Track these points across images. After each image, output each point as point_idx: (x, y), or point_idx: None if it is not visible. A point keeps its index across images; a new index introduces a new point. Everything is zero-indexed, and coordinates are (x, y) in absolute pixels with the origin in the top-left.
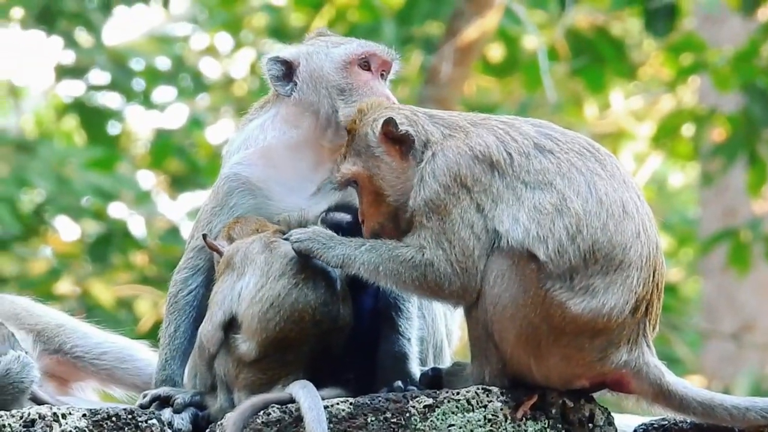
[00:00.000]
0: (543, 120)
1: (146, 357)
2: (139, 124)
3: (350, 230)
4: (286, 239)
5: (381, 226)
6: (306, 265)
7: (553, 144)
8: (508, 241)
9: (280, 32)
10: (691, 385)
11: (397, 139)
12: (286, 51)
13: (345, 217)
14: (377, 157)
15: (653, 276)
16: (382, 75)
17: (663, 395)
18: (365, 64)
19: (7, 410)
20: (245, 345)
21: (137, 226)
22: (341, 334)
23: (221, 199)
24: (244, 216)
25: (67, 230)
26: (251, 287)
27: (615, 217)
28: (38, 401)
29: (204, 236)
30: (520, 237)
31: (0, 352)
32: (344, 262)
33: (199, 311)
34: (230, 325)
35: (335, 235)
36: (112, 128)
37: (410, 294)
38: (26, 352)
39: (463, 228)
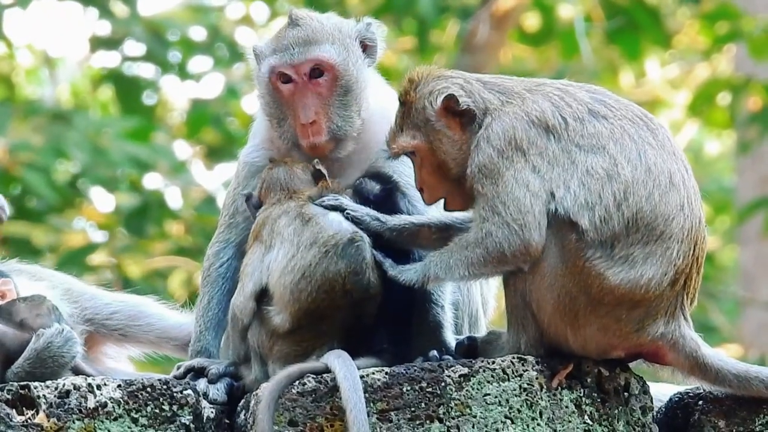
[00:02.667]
0: (596, 86)
1: (157, 311)
2: (175, 94)
3: (379, 200)
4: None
5: (448, 194)
6: (336, 233)
7: (607, 110)
8: (556, 208)
9: (316, 1)
10: (727, 358)
11: (458, 113)
12: (261, 42)
13: (375, 187)
14: (438, 131)
15: (694, 249)
16: (316, 74)
17: (699, 368)
18: (284, 76)
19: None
20: (278, 317)
21: (173, 197)
22: (372, 303)
23: (242, 181)
24: (272, 175)
25: (102, 201)
26: (280, 258)
27: (661, 187)
28: (79, 373)
29: (246, 199)
30: (569, 204)
31: (45, 324)
32: (425, 276)
33: (233, 283)
34: (262, 297)
35: (408, 267)
36: (148, 98)
37: (486, 276)
38: (70, 327)
39: (517, 188)
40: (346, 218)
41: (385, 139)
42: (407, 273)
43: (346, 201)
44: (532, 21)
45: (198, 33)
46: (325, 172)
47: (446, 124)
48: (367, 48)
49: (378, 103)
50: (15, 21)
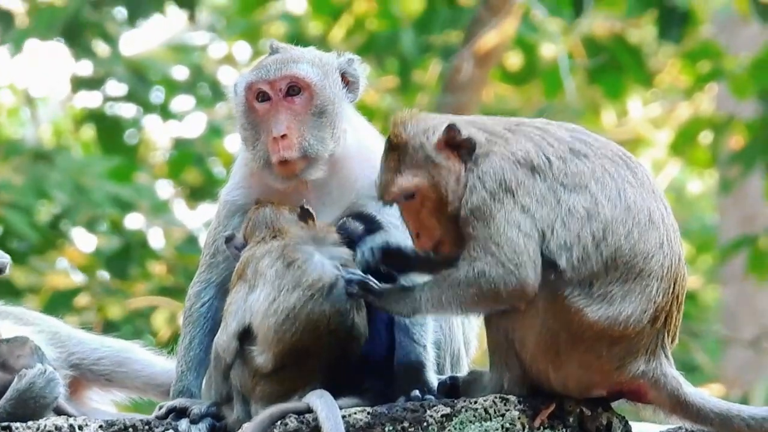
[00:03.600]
0: (574, 125)
1: (143, 357)
2: (157, 134)
3: (363, 240)
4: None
5: (441, 240)
6: (320, 275)
7: (587, 149)
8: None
9: (299, 41)
10: (709, 396)
11: (456, 145)
12: (237, 76)
13: (359, 228)
14: (439, 165)
15: (673, 287)
16: (293, 92)
17: (680, 406)
18: (261, 94)
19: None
20: (261, 357)
21: (155, 237)
22: (356, 343)
23: (222, 221)
24: (258, 215)
25: (84, 242)
26: (262, 300)
27: (640, 225)
28: (61, 413)
29: (226, 240)
30: (551, 245)
31: (28, 364)
32: (415, 309)
33: (214, 323)
34: (245, 337)
35: (390, 287)
36: (130, 138)
37: (479, 312)
38: (53, 368)
39: (509, 228)
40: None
41: (374, 185)
42: (396, 305)
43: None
44: (514, 60)
45: (180, 72)
46: (313, 212)
47: (446, 156)
48: (348, 84)
49: (357, 141)
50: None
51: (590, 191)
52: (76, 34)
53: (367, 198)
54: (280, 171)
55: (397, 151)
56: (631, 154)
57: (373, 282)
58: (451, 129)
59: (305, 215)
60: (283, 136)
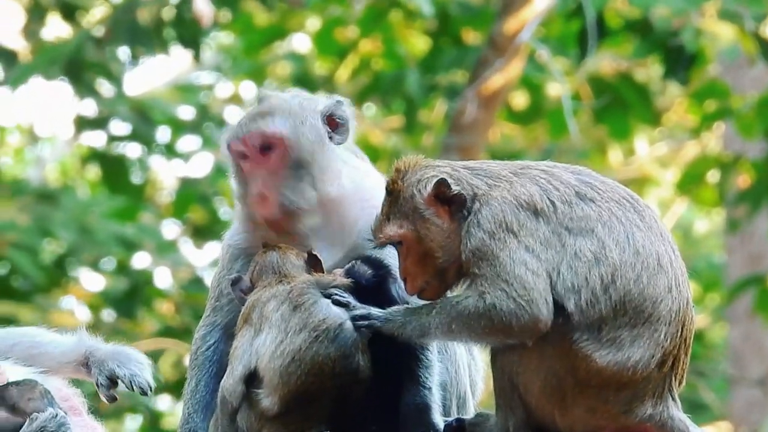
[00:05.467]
0: (581, 167)
1: (52, 338)
2: (164, 173)
3: (371, 285)
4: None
5: (427, 284)
6: (325, 318)
7: (594, 192)
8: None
9: (304, 81)
10: None
11: (447, 200)
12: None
13: (367, 272)
14: (426, 219)
15: (681, 331)
16: (266, 149)
17: None
18: (240, 154)
19: None
20: (267, 400)
21: (162, 277)
22: (361, 386)
23: (226, 264)
24: (265, 259)
25: (90, 281)
26: (269, 343)
27: (649, 269)
28: None
29: (232, 283)
30: (558, 287)
31: (38, 408)
32: (422, 332)
33: (220, 366)
34: (251, 380)
35: (392, 309)
36: (136, 177)
37: (490, 343)
38: (65, 412)
39: (516, 267)
40: (353, 320)
41: (369, 227)
42: (404, 329)
43: (354, 301)
44: (520, 100)
45: (186, 112)
46: (321, 258)
47: (435, 212)
48: (337, 126)
49: (353, 181)
50: (3, 101)
51: (597, 235)
52: (79, 72)
53: (368, 239)
54: (269, 228)
55: (390, 197)
56: (638, 197)
57: (376, 310)
58: (440, 185)
59: (312, 261)
60: (262, 197)
